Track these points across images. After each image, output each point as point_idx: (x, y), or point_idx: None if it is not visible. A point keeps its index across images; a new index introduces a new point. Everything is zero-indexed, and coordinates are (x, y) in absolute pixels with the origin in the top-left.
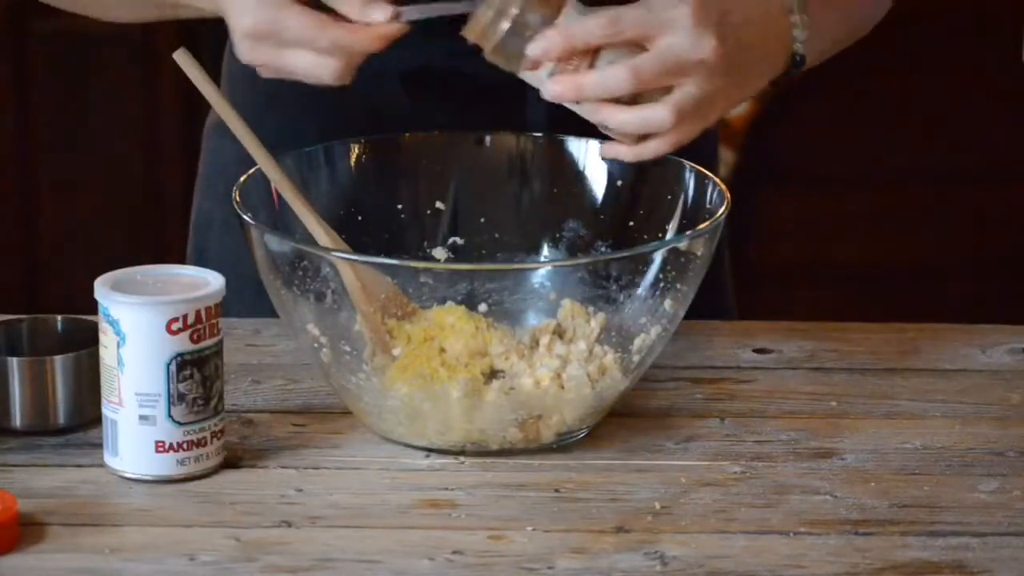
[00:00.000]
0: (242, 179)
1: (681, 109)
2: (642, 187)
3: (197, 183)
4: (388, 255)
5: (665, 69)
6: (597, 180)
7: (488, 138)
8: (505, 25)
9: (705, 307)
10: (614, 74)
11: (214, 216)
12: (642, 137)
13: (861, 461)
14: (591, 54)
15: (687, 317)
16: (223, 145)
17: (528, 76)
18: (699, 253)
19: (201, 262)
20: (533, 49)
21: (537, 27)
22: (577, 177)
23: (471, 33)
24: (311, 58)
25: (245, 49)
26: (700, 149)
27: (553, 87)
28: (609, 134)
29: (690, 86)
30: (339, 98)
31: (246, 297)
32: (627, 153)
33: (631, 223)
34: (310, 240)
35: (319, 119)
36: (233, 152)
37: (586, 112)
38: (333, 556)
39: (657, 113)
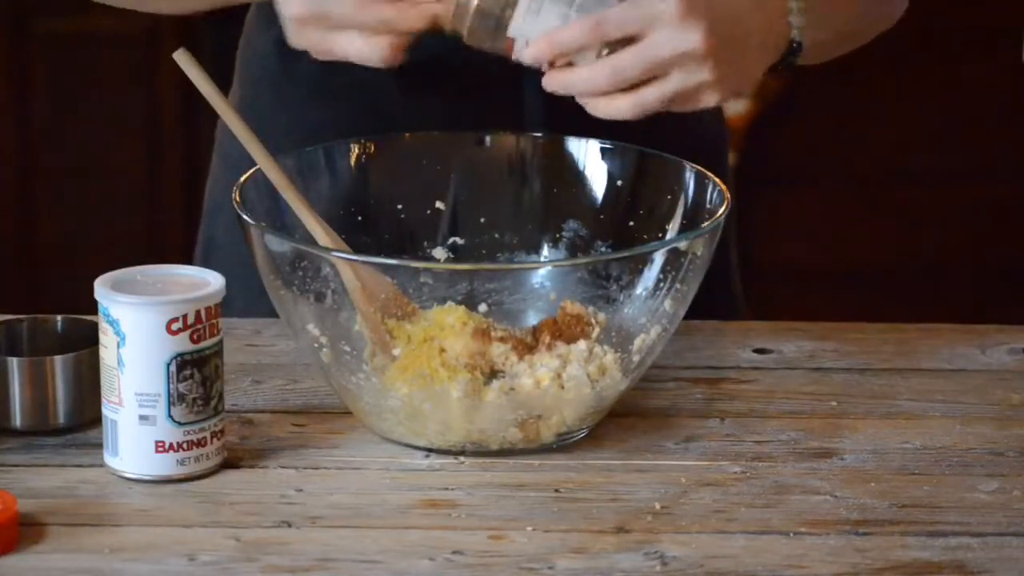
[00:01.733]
0: (242, 179)
1: (661, 100)
2: (642, 187)
3: (210, 173)
4: (388, 255)
5: (647, 66)
6: (597, 180)
7: (488, 138)
8: (474, 5)
9: (715, 308)
10: (599, 72)
11: (223, 207)
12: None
13: (861, 461)
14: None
15: (695, 317)
16: (234, 139)
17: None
18: (699, 253)
19: (210, 250)
20: (527, 57)
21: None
22: (577, 177)
23: (447, 23)
24: (359, 39)
25: (293, 33)
26: (708, 146)
27: (545, 83)
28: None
29: (675, 78)
30: (346, 92)
31: (253, 287)
32: (595, 105)
33: (631, 223)
34: (310, 240)
35: (326, 113)
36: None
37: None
38: (333, 556)
39: (620, 107)
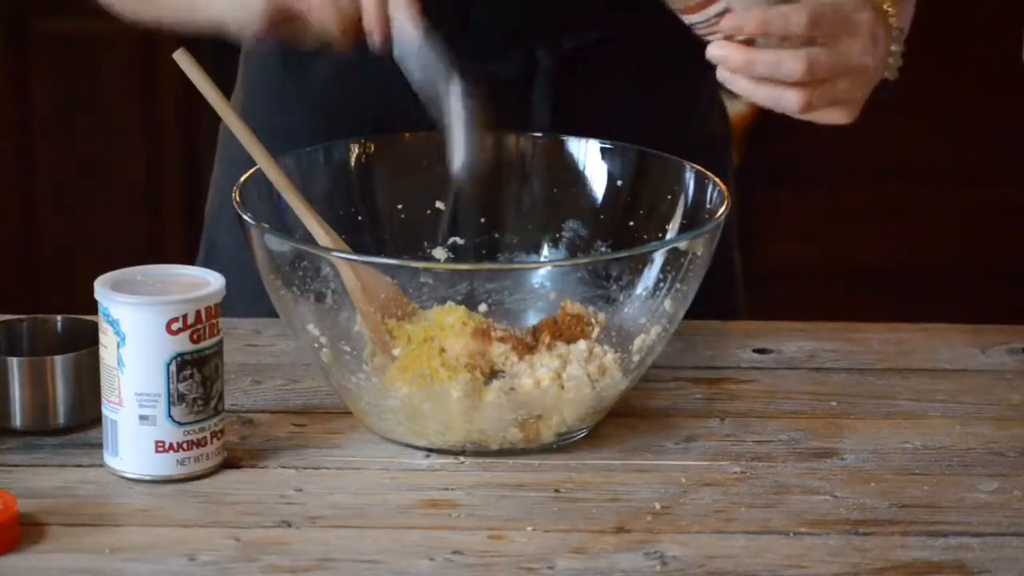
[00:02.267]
0: (242, 179)
1: (824, 103)
2: (642, 187)
3: (212, 179)
4: (388, 255)
5: (837, 69)
6: (597, 180)
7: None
8: None
9: (716, 308)
10: (790, 63)
11: (225, 210)
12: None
13: (861, 461)
14: None
15: (697, 316)
16: (236, 142)
17: (682, 16)
18: (699, 253)
19: (211, 253)
20: (726, 23)
21: None
22: (577, 177)
23: None
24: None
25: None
26: (709, 146)
27: (723, 52)
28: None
29: (842, 87)
30: (347, 96)
31: (255, 294)
32: (754, 90)
33: (631, 223)
34: (310, 240)
35: (327, 118)
36: (246, 149)
37: (722, 59)
38: (333, 556)
39: (790, 99)
